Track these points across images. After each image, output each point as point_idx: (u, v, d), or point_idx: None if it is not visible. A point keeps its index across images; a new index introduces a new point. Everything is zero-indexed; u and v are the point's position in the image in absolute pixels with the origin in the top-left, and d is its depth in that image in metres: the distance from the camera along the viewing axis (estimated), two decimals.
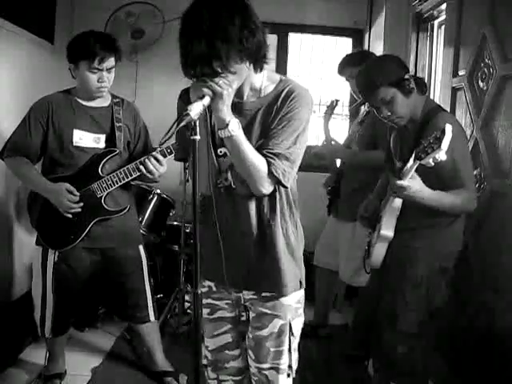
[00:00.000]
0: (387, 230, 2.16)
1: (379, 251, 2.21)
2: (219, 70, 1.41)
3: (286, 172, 1.54)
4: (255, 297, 1.68)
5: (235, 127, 1.47)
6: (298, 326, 1.70)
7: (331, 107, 3.33)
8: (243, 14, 1.42)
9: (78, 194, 2.41)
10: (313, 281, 3.48)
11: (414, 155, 1.87)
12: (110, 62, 2.39)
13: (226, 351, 1.75)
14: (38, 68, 3.59)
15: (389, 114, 2.16)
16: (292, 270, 1.67)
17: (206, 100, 1.41)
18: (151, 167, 2.36)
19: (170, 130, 1.39)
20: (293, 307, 1.68)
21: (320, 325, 3.45)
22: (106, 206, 2.47)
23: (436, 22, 3.47)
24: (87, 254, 2.51)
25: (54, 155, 2.46)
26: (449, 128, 1.74)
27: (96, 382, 2.72)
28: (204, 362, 1.77)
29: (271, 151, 1.53)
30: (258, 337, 1.68)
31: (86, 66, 2.36)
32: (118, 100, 2.56)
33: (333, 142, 3.27)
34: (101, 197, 2.45)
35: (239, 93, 1.57)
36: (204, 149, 1.55)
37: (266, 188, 1.55)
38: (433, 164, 1.81)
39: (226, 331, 1.74)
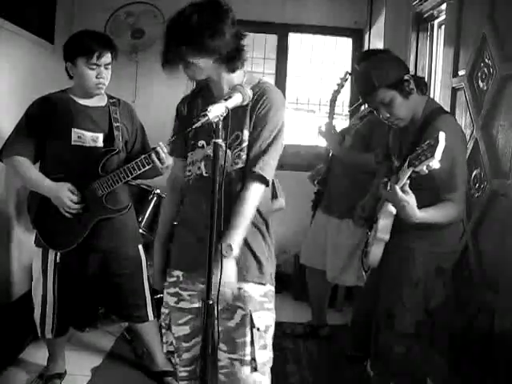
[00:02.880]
0: (383, 233, 2.15)
1: (376, 251, 2.21)
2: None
3: (263, 168, 1.65)
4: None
5: (235, 247, 1.60)
6: (262, 319, 1.72)
7: (343, 79, 3.22)
8: (210, 20, 1.57)
9: (78, 193, 2.41)
10: (303, 280, 3.49)
11: (407, 162, 1.86)
12: (107, 58, 2.41)
13: (182, 343, 1.79)
14: (38, 68, 3.59)
15: (388, 115, 2.15)
16: (254, 260, 1.72)
17: (231, 102, 1.40)
18: (163, 155, 2.35)
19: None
20: (256, 300, 1.71)
21: (320, 325, 3.45)
22: (107, 205, 2.47)
23: (436, 22, 3.46)
24: (87, 254, 2.51)
25: (52, 155, 2.46)
26: (442, 136, 1.73)
27: (96, 382, 2.72)
28: (171, 348, 1.84)
29: (254, 168, 1.65)
30: (227, 328, 1.70)
31: (84, 62, 2.37)
32: (114, 100, 2.57)
33: (332, 131, 3.18)
34: (102, 196, 2.45)
35: (218, 91, 1.71)
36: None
37: (261, 194, 1.69)
38: (426, 171, 1.80)
39: (186, 322, 1.77)
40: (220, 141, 1.38)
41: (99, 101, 2.53)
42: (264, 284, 1.74)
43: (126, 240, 2.59)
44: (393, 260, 2.21)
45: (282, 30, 4.51)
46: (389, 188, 1.97)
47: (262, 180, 1.67)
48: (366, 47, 4.32)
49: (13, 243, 3.27)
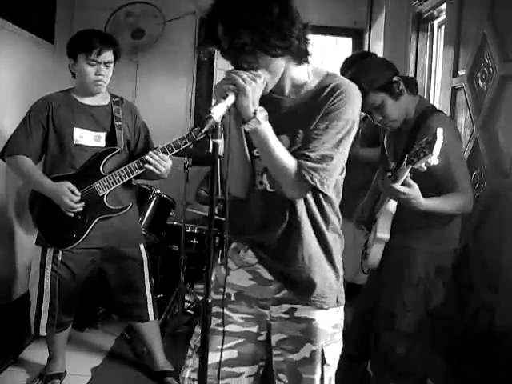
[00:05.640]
0: (383, 233, 2.15)
1: (376, 252, 2.21)
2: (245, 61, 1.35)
3: (323, 178, 1.39)
4: (286, 316, 1.54)
5: (260, 118, 1.35)
6: (332, 353, 1.57)
7: None
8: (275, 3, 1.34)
9: (79, 193, 2.41)
10: None
11: (406, 159, 1.86)
12: (108, 55, 2.41)
13: (226, 368, 1.54)
14: (38, 68, 3.59)
15: (381, 118, 2.16)
16: (331, 283, 1.57)
17: (230, 100, 1.32)
18: (154, 162, 2.38)
19: (189, 134, 1.37)
20: (328, 332, 1.55)
21: None
22: (108, 205, 2.47)
23: (436, 22, 3.47)
24: (87, 253, 2.51)
25: (54, 154, 2.46)
26: (440, 132, 1.72)
27: (96, 382, 2.72)
28: (193, 375, 1.53)
29: (309, 154, 1.38)
30: (291, 361, 1.54)
31: (84, 58, 2.38)
32: (117, 99, 2.57)
33: None
34: (102, 195, 2.45)
35: (279, 88, 1.46)
36: (237, 149, 1.46)
37: (298, 193, 1.44)
38: (425, 168, 1.79)
39: (233, 346, 1.55)
40: (220, 141, 1.30)
41: (101, 100, 2.53)
42: (337, 307, 1.60)
43: (127, 239, 2.59)
44: (393, 260, 2.21)
45: None
46: (387, 185, 1.97)
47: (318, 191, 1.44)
48: (366, 47, 4.32)
49: (15, 243, 3.27)
